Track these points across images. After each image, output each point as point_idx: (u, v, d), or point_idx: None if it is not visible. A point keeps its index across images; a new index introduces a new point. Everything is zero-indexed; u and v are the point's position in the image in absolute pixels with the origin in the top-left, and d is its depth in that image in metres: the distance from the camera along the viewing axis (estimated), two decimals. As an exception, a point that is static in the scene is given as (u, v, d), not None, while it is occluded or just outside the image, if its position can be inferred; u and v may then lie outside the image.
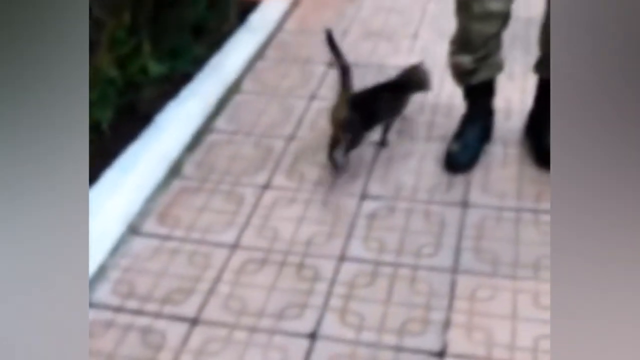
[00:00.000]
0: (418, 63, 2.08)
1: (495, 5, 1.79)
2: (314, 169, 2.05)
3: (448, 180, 1.97)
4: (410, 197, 1.92)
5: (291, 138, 2.20)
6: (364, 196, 1.94)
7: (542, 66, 1.96)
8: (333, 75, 2.51)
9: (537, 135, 2.02)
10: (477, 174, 1.98)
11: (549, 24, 1.89)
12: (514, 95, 2.28)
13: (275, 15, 2.91)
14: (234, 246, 1.80)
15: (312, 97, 2.40)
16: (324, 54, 2.66)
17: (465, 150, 2.00)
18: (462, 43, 1.91)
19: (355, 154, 2.09)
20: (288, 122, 2.27)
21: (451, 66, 1.99)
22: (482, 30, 1.85)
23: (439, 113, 2.20)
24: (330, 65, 2.58)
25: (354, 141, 1.99)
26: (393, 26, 2.80)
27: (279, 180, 2.02)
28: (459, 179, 1.97)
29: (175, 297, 1.66)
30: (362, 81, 2.45)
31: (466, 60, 1.92)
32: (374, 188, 1.97)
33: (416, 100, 2.30)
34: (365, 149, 2.11)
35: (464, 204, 1.88)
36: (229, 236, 1.83)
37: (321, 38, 2.77)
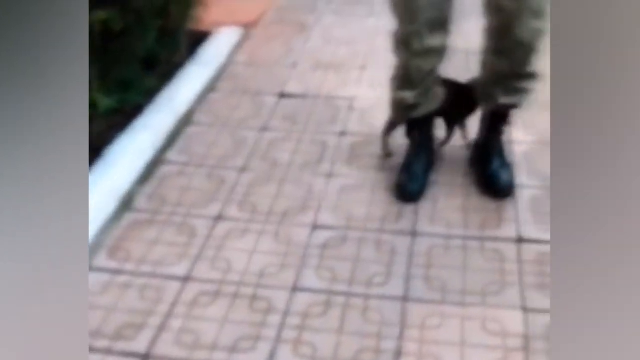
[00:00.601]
0: None
1: (433, 41, 1.85)
2: (267, 200, 2.07)
3: (398, 210, 2.01)
4: (362, 227, 1.96)
5: (243, 169, 2.21)
6: (315, 226, 1.97)
7: (482, 97, 2.03)
8: (284, 107, 2.56)
9: (482, 164, 2.08)
10: (425, 204, 2.03)
11: (486, 58, 1.95)
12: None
13: (226, 47, 2.95)
14: (186, 279, 1.80)
15: (264, 128, 2.43)
16: (275, 85, 2.70)
17: (414, 181, 2.05)
18: (403, 80, 1.97)
19: (305, 184, 2.13)
20: (240, 154, 2.29)
21: (393, 102, 2.04)
22: (422, 66, 1.90)
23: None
24: (280, 96, 2.63)
25: (391, 124, 2.12)
26: (342, 58, 2.86)
27: (232, 211, 2.04)
28: (408, 209, 2.01)
29: (126, 333, 1.64)
30: (311, 113, 2.50)
31: (408, 95, 1.97)
32: (326, 218, 2.00)
33: (363, 132, 2.36)
34: (315, 180, 2.15)
35: (413, 233, 1.93)
36: (181, 269, 1.83)
37: (272, 70, 2.83)
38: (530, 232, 1.90)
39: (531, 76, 1.93)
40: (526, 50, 1.84)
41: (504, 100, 1.96)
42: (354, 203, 2.05)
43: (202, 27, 3.02)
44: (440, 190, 2.08)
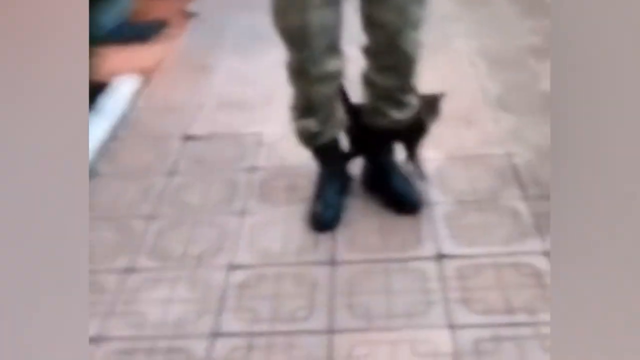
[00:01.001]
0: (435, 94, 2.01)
1: (330, 66, 1.83)
2: (179, 245, 1.98)
3: (314, 240, 1.96)
4: (279, 262, 1.89)
5: (152, 217, 2.12)
6: (232, 267, 1.89)
7: (373, 115, 2.00)
8: (191, 149, 2.48)
9: (384, 185, 2.06)
10: (342, 230, 1.99)
11: (371, 76, 1.92)
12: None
13: (126, 95, 2.86)
14: (98, 339, 1.69)
15: (171, 173, 2.34)
16: (181, 128, 2.63)
17: (328, 209, 2.01)
18: (304, 108, 1.93)
19: (218, 224, 2.05)
20: (148, 201, 2.19)
21: (297, 131, 2.01)
22: (321, 91, 1.87)
23: (299, 175, 2.21)
24: (186, 138, 2.55)
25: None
26: (247, 95, 2.82)
27: (142, 261, 1.93)
28: (325, 238, 1.97)
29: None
30: (219, 153, 2.43)
31: (311, 123, 1.94)
32: (242, 257, 1.92)
33: (273, 166, 2.31)
34: (228, 219, 2.07)
35: (333, 262, 1.88)
36: (91, 329, 1.71)
37: (176, 113, 2.76)
38: (448, 248, 1.88)
39: (414, 89, 1.95)
40: (410, 62, 1.86)
41: (397, 115, 1.95)
42: (269, 239, 1.99)
43: (100, 77, 2.93)
44: (356, 214, 2.05)
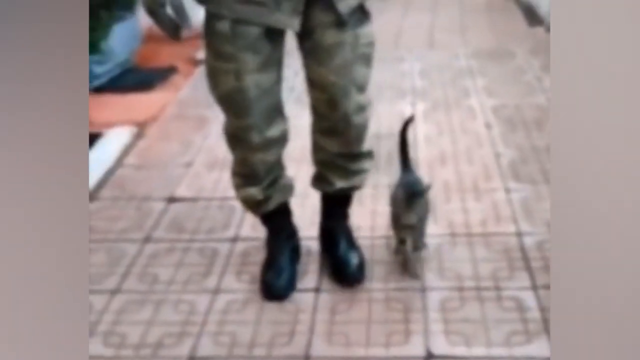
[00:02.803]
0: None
1: (274, 131, 1.66)
2: (137, 328, 1.77)
3: (290, 329, 1.73)
4: (246, 355, 1.66)
5: (116, 292, 1.91)
6: (192, 359, 1.66)
7: (319, 182, 1.85)
8: (172, 213, 2.29)
9: (329, 250, 1.90)
10: (320, 319, 1.75)
11: (316, 139, 1.76)
12: (363, 220, 2.11)
13: (114, 150, 2.69)
14: None
15: (147, 239, 2.14)
16: (165, 189, 2.44)
17: (280, 277, 1.83)
18: (246, 175, 1.76)
19: (186, 304, 1.84)
20: (114, 272, 1.98)
21: (241, 200, 1.83)
22: (264, 158, 1.70)
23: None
24: (170, 200, 2.36)
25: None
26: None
27: (96, 348, 1.72)
28: (302, 327, 1.73)
29: None
30: (202, 218, 2.23)
31: (255, 191, 1.76)
32: (205, 347, 1.69)
33: (258, 236, 2.09)
34: (199, 298, 1.85)
35: (306, 357, 1.64)
36: None
37: (163, 171, 2.57)
38: (440, 346, 1.62)
39: (366, 155, 1.78)
40: (353, 127, 1.68)
41: (341, 184, 1.79)
42: (239, 324, 1.75)
43: (93, 128, 2.78)
44: (341, 300, 1.81)
